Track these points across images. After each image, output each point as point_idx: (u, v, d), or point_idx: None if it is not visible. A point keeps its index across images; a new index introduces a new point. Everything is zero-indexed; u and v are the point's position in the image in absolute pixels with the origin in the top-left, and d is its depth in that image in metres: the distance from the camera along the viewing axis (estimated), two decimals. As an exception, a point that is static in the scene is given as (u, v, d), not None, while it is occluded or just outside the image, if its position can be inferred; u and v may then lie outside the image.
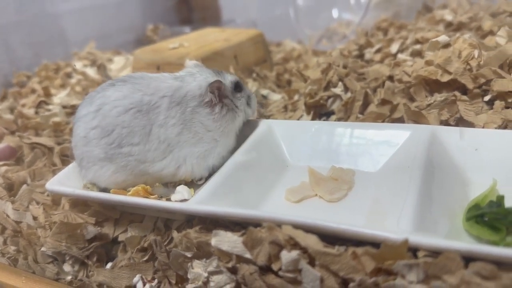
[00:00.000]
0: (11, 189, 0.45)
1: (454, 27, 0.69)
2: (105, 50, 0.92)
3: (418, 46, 0.59)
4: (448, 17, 0.75)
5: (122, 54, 0.79)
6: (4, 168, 0.48)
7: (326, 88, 0.52)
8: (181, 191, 0.36)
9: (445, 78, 0.44)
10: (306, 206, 0.34)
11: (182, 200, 0.35)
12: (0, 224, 0.41)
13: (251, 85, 0.68)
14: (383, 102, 0.47)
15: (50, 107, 0.59)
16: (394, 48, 0.61)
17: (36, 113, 0.59)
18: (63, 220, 0.37)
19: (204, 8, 1.19)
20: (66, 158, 0.47)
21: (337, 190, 0.35)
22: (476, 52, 0.45)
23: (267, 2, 1.17)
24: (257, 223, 0.30)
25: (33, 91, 0.68)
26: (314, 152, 0.40)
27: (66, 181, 0.38)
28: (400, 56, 0.57)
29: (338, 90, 0.50)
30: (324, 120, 0.51)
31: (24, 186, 0.43)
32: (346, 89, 0.50)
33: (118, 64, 0.72)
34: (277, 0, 1.17)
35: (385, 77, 0.52)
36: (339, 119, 0.49)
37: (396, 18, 0.80)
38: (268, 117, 0.57)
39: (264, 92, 0.65)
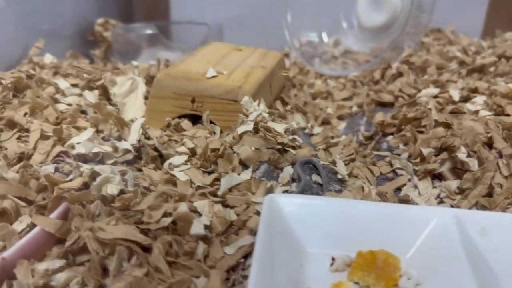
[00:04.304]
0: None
1: (475, 68, 0.69)
2: (51, 47, 0.71)
3: (485, 98, 0.57)
4: (463, 56, 0.75)
5: (120, 69, 0.60)
6: (63, 277, 0.32)
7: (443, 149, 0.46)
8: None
9: None
10: None
11: None
12: None
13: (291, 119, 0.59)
14: (514, 175, 0.43)
15: (79, 164, 0.41)
16: (454, 94, 0.58)
17: (57, 170, 0.41)
18: None
19: (148, 4, 1.02)
20: (180, 262, 0.33)
21: None
22: None
23: (221, 2, 1.05)
24: None
25: (11, 124, 0.48)
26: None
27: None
28: (476, 109, 0.54)
29: (463, 156, 0.45)
30: (440, 187, 0.46)
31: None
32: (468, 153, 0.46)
33: (122, 87, 0.54)
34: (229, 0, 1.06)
35: (484, 137, 0.48)
36: (463, 190, 0.44)
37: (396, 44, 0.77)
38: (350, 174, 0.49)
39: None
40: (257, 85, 0.54)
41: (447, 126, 0.48)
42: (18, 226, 0.36)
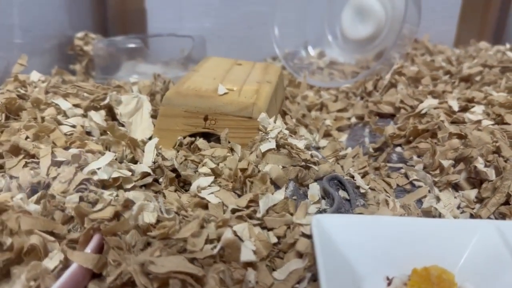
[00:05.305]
0: None
1: (462, 78, 0.72)
2: (28, 63, 0.67)
3: (483, 107, 0.59)
4: (448, 66, 0.77)
5: (122, 88, 0.57)
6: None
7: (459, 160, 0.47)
8: None
9: None
10: None
11: None
12: None
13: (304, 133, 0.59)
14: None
15: (102, 191, 0.38)
16: (454, 105, 0.59)
17: (82, 199, 0.38)
18: None
19: (123, 17, 0.98)
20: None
21: None
22: None
23: (197, 15, 1.03)
24: None
25: (14, 149, 0.44)
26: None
27: None
28: (477, 119, 0.56)
29: (481, 166, 0.46)
30: (459, 197, 0.47)
31: None
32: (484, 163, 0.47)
33: (127, 106, 0.52)
34: (206, 13, 1.05)
35: (492, 146, 0.50)
36: (481, 200, 0.46)
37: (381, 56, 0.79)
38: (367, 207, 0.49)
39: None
40: (268, 100, 0.53)
41: (460, 137, 0.50)
42: (49, 263, 0.33)
